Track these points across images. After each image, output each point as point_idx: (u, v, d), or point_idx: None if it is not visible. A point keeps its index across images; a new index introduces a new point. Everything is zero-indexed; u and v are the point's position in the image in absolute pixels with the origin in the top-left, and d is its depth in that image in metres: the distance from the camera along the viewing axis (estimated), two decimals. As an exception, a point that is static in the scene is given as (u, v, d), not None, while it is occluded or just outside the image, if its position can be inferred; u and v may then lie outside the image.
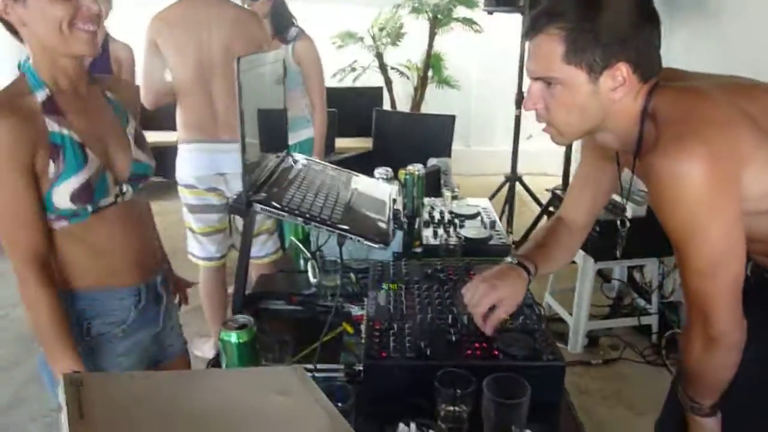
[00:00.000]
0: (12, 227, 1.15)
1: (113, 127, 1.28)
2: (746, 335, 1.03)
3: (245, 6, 2.58)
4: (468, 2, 4.55)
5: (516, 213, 3.97)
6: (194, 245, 2.51)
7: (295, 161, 1.43)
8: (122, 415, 0.56)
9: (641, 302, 2.95)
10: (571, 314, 2.79)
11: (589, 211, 1.33)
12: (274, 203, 1.08)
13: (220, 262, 2.54)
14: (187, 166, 2.37)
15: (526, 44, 1.04)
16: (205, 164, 2.33)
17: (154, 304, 1.38)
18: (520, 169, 3.89)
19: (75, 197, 1.17)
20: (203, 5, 2.25)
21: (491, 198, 4.07)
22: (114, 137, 1.26)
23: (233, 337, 1.04)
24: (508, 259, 1.24)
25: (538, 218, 3.80)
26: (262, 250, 2.53)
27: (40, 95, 1.16)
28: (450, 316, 1.20)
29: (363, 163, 3.86)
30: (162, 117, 2.98)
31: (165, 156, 2.43)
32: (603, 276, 3.12)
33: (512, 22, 3.99)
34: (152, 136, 4.84)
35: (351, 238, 1.11)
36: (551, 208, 3.55)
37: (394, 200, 1.51)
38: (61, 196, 1.16)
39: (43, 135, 1.13)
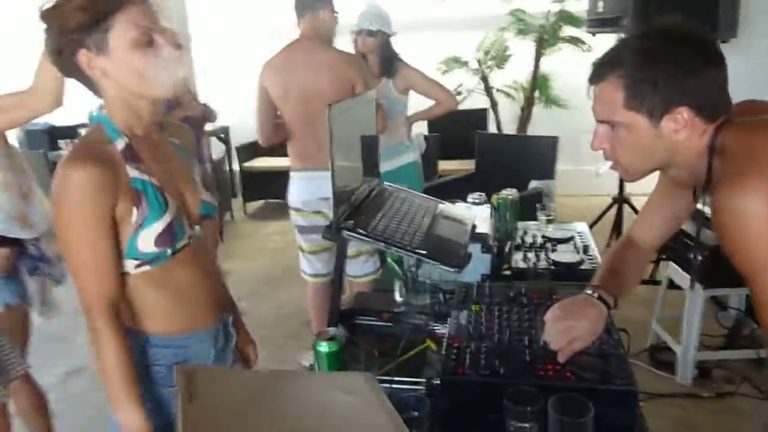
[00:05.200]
0: (89, 274, 1.13)
1: (183, 170, 1.30)
2: None
3: (359, 40, 2.82)
4: (575, 21, 4.50)
5: (625, 235, 3.84)
6: (304, 263, 2.74)
7: (386, 189, 1.56)
8: (226, 400, 0.70)
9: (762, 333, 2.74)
10: (679, 343, 2.66)
11: (661, 234, 1.33)
12: (360, 230, 1.21)
13: (326, 279, 2.72)
14: (296, 191, 2.63)
15: (591, 88, 1.09)
16: (310, 190, 2.56)
17: (226, 343, 1.38)
18: (630, 190, 3.77)
19: (159, 241, 1.18)
20: (301, 51, 2.53)
21: (598, 220, 3.99)
22: (184, 180, 1.29)
23: (324, 347, 1.17)
24: (588, 290, 1.24)
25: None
26: (362, 269, 2.67)
27: (120, 143, 1.17)
28: (527, 338, 1.26)
29: (465, 186, 3.94)
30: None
31: (284, 180, 2.69)
32: (719, 302, 2.94)
33: (621, 40, 3.92)
34: (272, 162, 5.21)
35: (428, 262, 1.21)
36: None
37: (474, 226, 1.58)
38: (146, 241, 1.17)
39: (126, 182, 1.15)
